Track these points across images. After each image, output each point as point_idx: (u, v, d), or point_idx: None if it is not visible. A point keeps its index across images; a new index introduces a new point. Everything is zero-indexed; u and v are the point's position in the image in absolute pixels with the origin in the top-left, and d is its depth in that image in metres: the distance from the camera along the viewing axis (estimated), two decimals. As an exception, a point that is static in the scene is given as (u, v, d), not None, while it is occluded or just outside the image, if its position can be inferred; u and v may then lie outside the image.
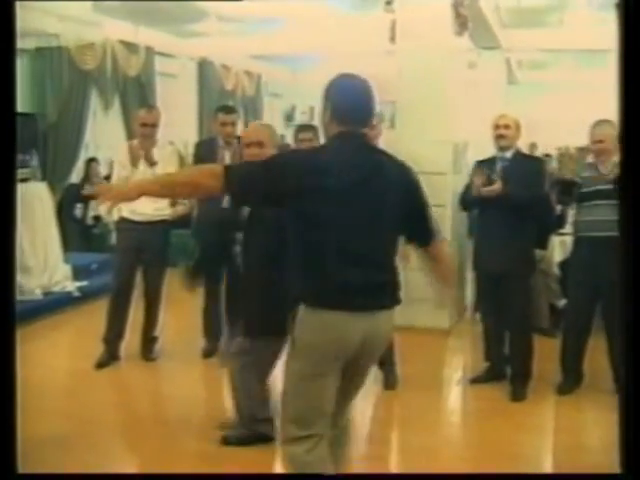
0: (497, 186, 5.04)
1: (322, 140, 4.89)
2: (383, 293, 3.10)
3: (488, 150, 5.40)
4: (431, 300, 6.47)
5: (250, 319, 4.20)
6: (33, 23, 8.56)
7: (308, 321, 3.01)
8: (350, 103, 3.10)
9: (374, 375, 5.49)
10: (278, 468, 4.32)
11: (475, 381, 5.55)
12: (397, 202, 3.11)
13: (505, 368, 5.43)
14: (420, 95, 6.81)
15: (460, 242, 7.07)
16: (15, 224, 2.47)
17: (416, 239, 3.32)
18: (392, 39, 7.02)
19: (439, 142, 6.69)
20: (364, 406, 5.30)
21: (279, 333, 3.58)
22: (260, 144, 4.14)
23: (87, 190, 9.26)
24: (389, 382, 5.43)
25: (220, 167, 3.10)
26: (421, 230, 3.28)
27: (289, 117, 16.69)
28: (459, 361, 6.51)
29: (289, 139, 11.73)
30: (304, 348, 3.04)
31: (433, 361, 6.21)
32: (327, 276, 2.97)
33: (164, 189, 3.21)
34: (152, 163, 5.74)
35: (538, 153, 11.83)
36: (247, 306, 4.23)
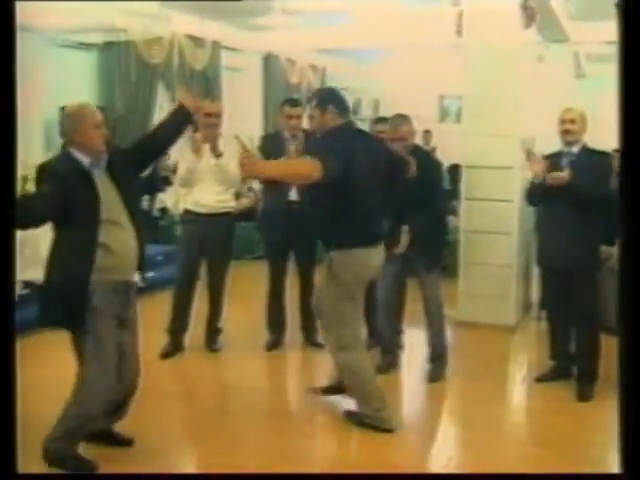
0: (565, 174, 4.95)
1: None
2: (382, 233, 4.61)
3: (556, 145, 5.31)
4: (495, 296, 6.50)
5: None
6: (101, 18, 8.69)
7: (344, 260, 4.33)
8: (345, 101, 4.56)
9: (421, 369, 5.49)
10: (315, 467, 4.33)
11: (540, 379, 5.47)
12: (386, 168, 4.49)
13: (571, 367, 5.35)
14: (487, 89, 6.73)
15: (527, 238, 6.98)
16: (15, 225, 2.54)
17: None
18: (458, 32, 6.94)
19: (506, 136, 6.59)
20: (425, 402, 5.29)
21: None
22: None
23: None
24: (434, 376, 5.50)
25: (317, 162, 4.00)
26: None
27: (355, 111, 16.68)
28: (524, 359, 6.42)
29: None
30: (341, 279, 4.32)
31: (498, 358, 6.14)
32: (356, 225, 4.29)
33: (283, 176, 4.40)
34: (218, 154, 5.75)
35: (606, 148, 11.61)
36: None
